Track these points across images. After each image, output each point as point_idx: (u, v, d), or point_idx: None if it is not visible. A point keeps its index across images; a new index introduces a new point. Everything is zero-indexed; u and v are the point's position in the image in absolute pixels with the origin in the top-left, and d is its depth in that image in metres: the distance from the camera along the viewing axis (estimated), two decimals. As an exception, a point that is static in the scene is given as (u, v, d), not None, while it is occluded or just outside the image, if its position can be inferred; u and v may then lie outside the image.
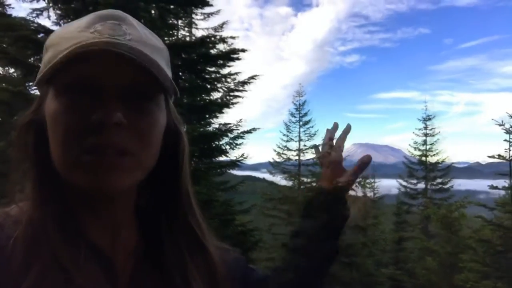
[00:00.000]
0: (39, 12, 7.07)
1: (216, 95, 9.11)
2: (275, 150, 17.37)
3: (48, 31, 6.28)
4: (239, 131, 8.59)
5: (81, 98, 0.60)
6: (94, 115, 0.58)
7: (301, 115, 17.39)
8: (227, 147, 8.58)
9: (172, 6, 7.79)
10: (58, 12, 6.79)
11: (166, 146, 0.71)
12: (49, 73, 0.60)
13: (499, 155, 9.58)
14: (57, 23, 6.86)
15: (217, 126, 8.82)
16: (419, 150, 19.86)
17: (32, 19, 6.97)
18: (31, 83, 7.69)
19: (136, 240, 0.74)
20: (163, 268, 0.72)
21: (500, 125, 9.37)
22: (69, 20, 6.35)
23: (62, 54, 0.58)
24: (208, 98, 8.83)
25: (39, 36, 6.10)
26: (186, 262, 0.74)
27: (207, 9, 9.60)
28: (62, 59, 0.58)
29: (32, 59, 6.67)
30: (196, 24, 10.51)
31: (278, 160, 17.09)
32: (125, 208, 0.72)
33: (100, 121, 0.58)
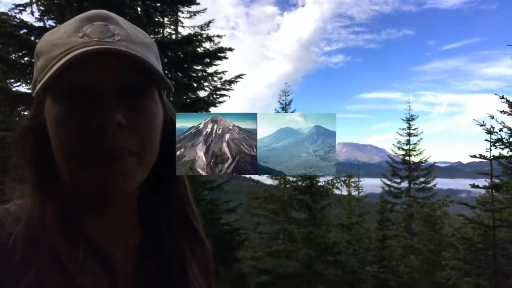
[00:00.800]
0: (22, 8, 6.94)
1: (202, 94, 9.09)
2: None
3: (31, 27, 6.16)
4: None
5: (80, 104, 0.61)
6: (95, 120, 0.60)
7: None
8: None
9: (158, 4, 7.73)
10: (42, 8, 6.67)
11: (163, 138, 0.72)
12: (45, 84, 0.61)
13: (480, 155, 9.77)
14: (40, 19, 6.74)
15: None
16: (403, 149, 20.11)
17: (14, 14, 6.84)
18: (12, 80, 7.54)
19: (137, 237, 0.74)
20: (163, 263, 0.74)
21: (481, 125, 9.54)
22: (52, 16, 6.25)
23: (55, 63, 0.60)
24: (194, 96, 8.80)
25: (22, 32, 5.98)
26: (185, 255, 0.76)
27: (193, 8, 9.58)
28: (56, 71, 0.59)
29: (14, 55, 6.54)
30: (182, 22, 10.47)
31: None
32: (129, 206, 0.74)
33: (101, 126, 0.59)
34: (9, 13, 6.85)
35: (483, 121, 9.54)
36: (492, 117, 9.34)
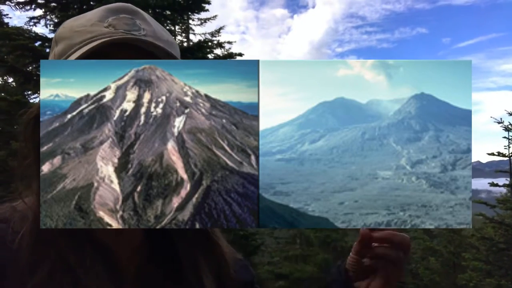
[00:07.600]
0: (36, 20, 7.10)
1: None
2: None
3: (45, 39, 6.29)
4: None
5: None
6: None
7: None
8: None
9: (168, 12, 7.83)
10: (55, 20, 6.81)
11: None
12: None
13: (499, 153, 9.57)
14: (54, 31, 6.88)
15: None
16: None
17: (29, 28, 7.00)
18: (29, 92, 7.70)
19: (141, 237, 0.73)
20: (172, 264, 0.72)
21: (499, 123, 9.38)
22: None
23: (77, 49, 0.59)
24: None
25: (36, 44, 6.12)
26: (197, 258, 0.73)
27: (203, 14, 9.65)
28: (79, 57, 0.57)
29: (30, 67, 6.68)
30: (193, 30, 10.56)
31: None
32: None
33: None
34: (24, 27, 7.02)
35: (501, 118, 9.39)
36: (511, 114, 9.16)
